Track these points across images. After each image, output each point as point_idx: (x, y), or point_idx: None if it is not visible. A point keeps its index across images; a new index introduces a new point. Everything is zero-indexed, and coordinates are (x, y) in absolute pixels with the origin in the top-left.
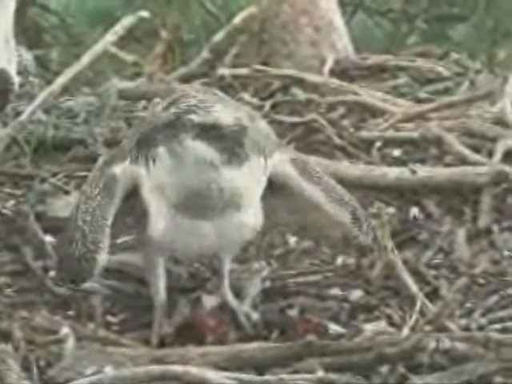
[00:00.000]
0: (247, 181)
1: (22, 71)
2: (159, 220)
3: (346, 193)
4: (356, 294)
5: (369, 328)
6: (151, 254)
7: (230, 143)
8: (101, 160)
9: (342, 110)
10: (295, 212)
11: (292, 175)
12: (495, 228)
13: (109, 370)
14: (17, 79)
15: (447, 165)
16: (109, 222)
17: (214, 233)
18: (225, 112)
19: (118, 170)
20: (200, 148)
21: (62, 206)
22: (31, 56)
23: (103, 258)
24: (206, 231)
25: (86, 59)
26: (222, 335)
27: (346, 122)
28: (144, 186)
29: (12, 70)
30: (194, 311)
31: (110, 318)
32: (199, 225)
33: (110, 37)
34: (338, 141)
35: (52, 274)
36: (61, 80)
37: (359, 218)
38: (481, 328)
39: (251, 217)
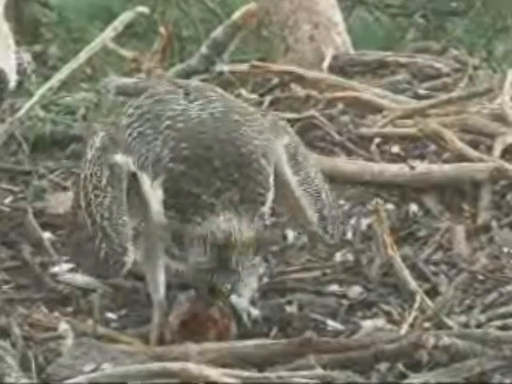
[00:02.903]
0: None
1: (20, 67)
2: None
3: (323, 190)
4: (355, 291)
5: (368, 325)
6: (151, 244)
7: None
8: (97, 143)
9: (340, 106)
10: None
11: (281, 159)
12: (494, 224)
13: (107, 367)
14: (14, 77)
15: (446, 161)
16: (127, 218)
17: None
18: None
19: (120, 160)
20: None
21: (60, 203)
22: (29, 52)
23: (131, 258)
24: None
25: (84, 55)
26: (225, 328)
27: (344, 119)
28: (147, 190)
29: (8, 68)
30: (197, 304)
31: (108, 315)
32: None
33: (109, 32)
34: (336, 137)
35: (51, 270)
36: (59, 76)
37: (325, 216)
38: (480, 325)
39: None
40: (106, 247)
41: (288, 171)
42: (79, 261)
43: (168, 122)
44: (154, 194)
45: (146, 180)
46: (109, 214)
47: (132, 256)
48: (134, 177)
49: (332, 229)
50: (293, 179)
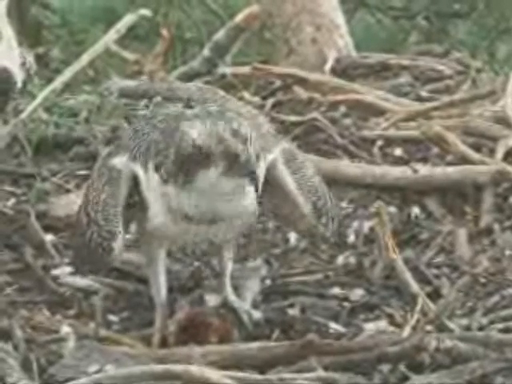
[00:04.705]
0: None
1: (24, 67)
2: (159, 216)
3: (320, 187)
4: (357, 293)
5: (370, 327)
6: (151, 247)
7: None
8: (105, 152)
9: (343, 108)
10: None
11: (278, 164)
12: (496, 227)
13: (110, 369)
14: (20, 78)
15: (449, 164)
16: (120, 209)
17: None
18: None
19: (117, 161)
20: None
21: (62, 205)
22: (32, 54)
23: (119, 244)
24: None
25: (86, 57)
26: (226, 334)
27: (347, 121)
28: (142, 183)
29: (14, 69)
30: (197, 310)
31: (110, 317)
32: (200, 228)
33: (112, 35)
34: (339, 140)
35: (54, 272)
36: (62, 78)
37: (320, 208)
38: (482, 327)
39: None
40: (96, 236)
41: (284, 170)
42: (74, 259)
43: (161, 117)
44: (151, 186)
45: (141, 174)
46: (102, 207)
47: (120, 241)
48: (135, 180)
49: (326, 219)
50: (289, 177)
